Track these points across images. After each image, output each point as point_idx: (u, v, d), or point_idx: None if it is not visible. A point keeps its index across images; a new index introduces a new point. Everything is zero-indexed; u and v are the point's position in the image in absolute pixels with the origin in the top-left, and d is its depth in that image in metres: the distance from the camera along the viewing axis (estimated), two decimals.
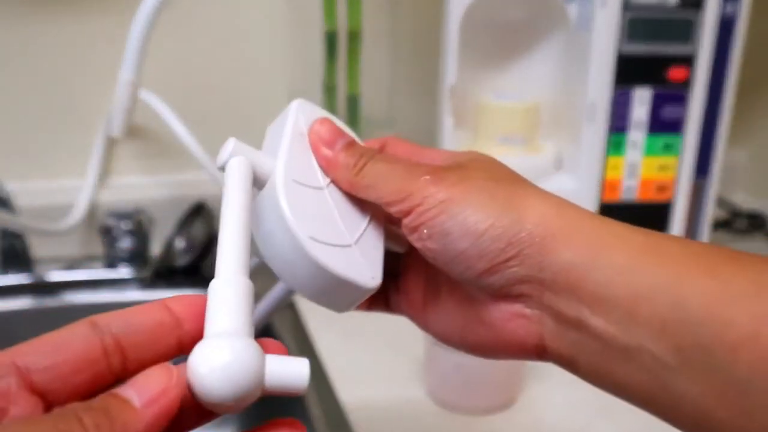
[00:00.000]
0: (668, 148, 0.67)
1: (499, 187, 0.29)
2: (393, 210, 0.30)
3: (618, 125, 0.65)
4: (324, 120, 0.34)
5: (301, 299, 0.70)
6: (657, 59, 0.64)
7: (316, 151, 0.33)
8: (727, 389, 0.23)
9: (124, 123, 0.54)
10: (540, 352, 0.30)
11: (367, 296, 0.31)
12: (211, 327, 0.24)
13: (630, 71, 0.64)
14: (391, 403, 0.54)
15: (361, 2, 0.64)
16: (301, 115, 0.34)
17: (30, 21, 0.73)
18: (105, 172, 0.79)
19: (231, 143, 0.31)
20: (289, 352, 0.66)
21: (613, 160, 0.66)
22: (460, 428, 0.52)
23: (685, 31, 0.63)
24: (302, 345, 0.62)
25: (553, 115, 0.70)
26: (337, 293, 0.30)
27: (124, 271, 0.72)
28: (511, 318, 0.29)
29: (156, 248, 0.75)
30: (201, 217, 0.74)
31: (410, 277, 0.34)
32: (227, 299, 0.25)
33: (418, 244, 0.29)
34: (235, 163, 0.30)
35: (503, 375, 0.53)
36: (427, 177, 0.29)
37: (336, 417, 0.52)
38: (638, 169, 0.67)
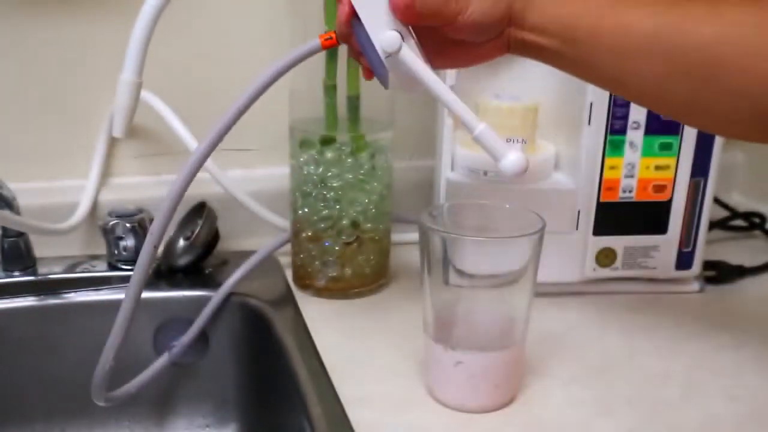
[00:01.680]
0: (666, 149, 0.67)
1: None
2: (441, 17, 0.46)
3: (616, 126, 0.66)
4: None
5: (301, 300, 0.71)
6: None
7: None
8: (584, 54, 0.46)
9: (126, 123, 0.54)
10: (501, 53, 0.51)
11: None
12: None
13: None
14: (391, 401, 0.55)
15: None
16: None
17: (31, 21, 0.73)
18: (106, 172, 0.79)
19: (397, 37, 0.45)
20: (289, 351, 0.66)
21: (611, 160, 0.66)
22: (460, 426, 0.52)
23: None
24: (302, 343, 0.62)
25: (552, 116, 0.70)
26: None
27: (125, 271, 0.73)
28: (491, 47, 0.49)
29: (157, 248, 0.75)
30: (202, 217, 0.74)
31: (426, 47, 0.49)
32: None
33: (460, 30, 0.47)
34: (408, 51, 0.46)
35: (503, 373, 0.53)
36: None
37: (336, 415, 0.53)
38: (636, 170, 0.67)
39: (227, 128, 0.50)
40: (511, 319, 0.53)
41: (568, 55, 0.47)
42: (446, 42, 0.49)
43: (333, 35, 0.49)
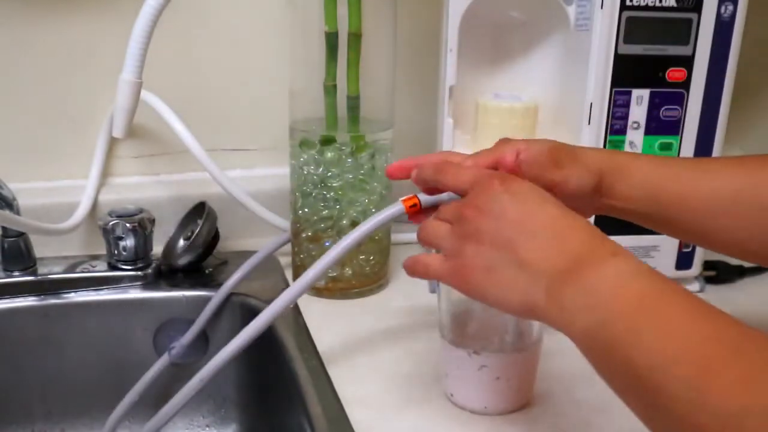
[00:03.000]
0: (666, 149, 0.67)
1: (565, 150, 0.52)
2: None
3: (616, 126, 0.66)
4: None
5: (302, 300, 0.71)
6: (655, 60, 0.64)
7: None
8: (673, 216, 0.50)
9: (126, 123, 0.54)
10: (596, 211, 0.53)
11: None
12: None
13: (629, 72, 0.64)
14: (390, 401, 0.55)
15: (361, 3, 0.64)
16: None
17: (31, 22, 0.73)
18: (106, 172, 0.79)
19: None
20: (289, 351, 0.66)
21: None
22: (460, 427, 0.52)
23: (684, 32, 0.64)
24: (303, 344, 0.62)
25: (552, 116, 0.70)
26: None
27: (125, 271, 0.73)
28: (583, 207, 0.49)
29: (157, 248, 0.75)
30: (202, 217, 0.74)
31: None
32: None
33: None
34: None
35: (525, 373, 0.53)
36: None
37: (336, 415, 0.53)
38: None
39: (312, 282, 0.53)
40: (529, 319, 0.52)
41: (654, 216, 0.51)
42: None
43: (417, 202, 0.50)
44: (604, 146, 0.66)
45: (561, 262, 0.39)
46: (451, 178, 0.46)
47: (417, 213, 0.50)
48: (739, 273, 0.76)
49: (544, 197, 0.42)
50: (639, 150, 0.67)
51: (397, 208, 0.50)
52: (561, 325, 0.39)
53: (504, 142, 0.52)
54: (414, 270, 0.48)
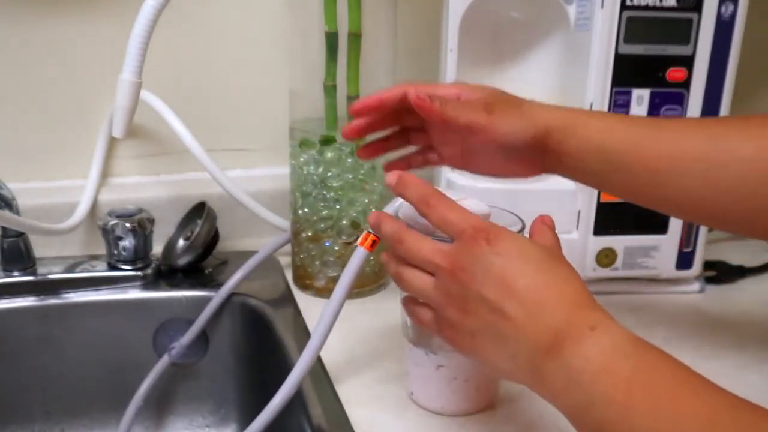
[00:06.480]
0: None
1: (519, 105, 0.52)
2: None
3: None
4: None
5: (301, 300, 0.71)
6: (656, 60, 0.64)
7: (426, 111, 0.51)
8: (626, 176, 0.49)
9: (125, 123, 0.54)
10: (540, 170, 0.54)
11: None
12: None
13: (629, 72, 0.64)
14: (391, 401, 0.55)
15: (361, 3, 0.64)
16: None
17: (31, 21, 0.73)
18: (106, 172, 0.79)
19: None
20: (289, 351, 0.66)
21: None
22: (460, 426, 0.52)
23: (684, 32, 0.64)
24: (302, 343, 0.62)
25: None
26: None
27: (125, 271, 0.73)
28: (525, 168, 0.53)
29: (157, 248, 0.75)
30: (202, 217, 0.74)
31: (447, 151, 0.56)
32: None
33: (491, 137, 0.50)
34: None
35: (484, 375, 0.53)
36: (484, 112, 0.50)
37: (336, 415, 0.53)
38: None
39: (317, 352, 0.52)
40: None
41: (608, 175, 0.50)
42: (485, 151, 0.52)
43: (376, 238, 0.48)
44: None
45: (541, 339, 0.38)
46: (437, 219, 0.44)
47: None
48: (740, 273, 0.76)
49: (530, 256, 0.41)
50: None
51: (360, 254, 0.49)
52: (547, 399, 0.39)
53: (454, 84, 0.53)
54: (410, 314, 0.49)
